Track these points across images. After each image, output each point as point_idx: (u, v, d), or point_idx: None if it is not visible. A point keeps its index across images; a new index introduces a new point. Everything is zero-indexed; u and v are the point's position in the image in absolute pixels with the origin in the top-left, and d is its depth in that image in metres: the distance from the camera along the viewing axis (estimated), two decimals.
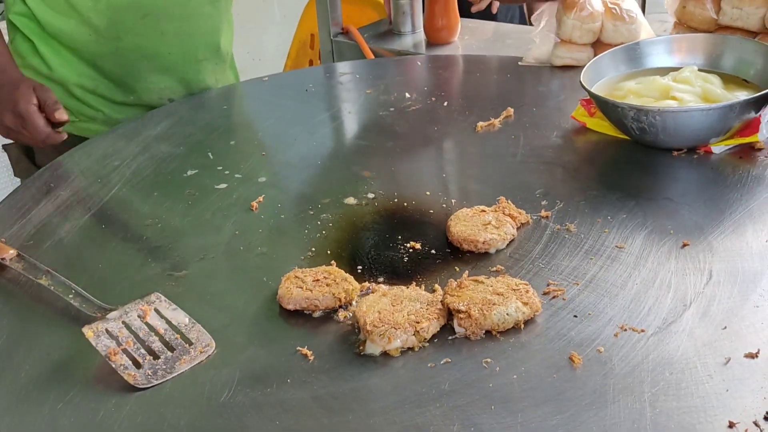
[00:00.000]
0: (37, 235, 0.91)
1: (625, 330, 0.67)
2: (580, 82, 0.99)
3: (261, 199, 0.95)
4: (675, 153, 0.95)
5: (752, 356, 0.62)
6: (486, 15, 1.70)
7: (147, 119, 1.21)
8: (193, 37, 1.23)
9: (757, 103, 0.90)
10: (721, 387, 0.59)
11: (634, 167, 0.94)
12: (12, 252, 0.82)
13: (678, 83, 0.97)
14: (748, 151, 0.93)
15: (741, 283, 0.71)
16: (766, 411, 0.56)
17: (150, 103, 1.25)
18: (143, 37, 1.18)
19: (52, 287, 0.77)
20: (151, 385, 0.66)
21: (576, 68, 1.22)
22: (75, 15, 1.16)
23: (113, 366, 0.67)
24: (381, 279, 0.79)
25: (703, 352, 0.63)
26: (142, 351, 0.69)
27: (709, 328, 0.66)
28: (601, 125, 1.03)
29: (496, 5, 1.76)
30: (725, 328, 0.66)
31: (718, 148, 0.93)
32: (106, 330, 0.70)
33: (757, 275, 0.72)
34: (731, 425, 0.55)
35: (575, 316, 0.70)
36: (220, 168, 1.04)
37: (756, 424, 0.55)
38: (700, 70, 1.01)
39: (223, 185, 1.00)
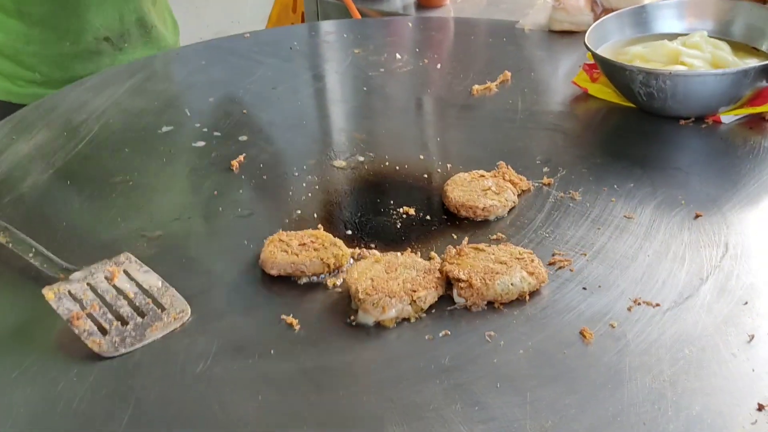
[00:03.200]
0: None
1: (639, 304, 0.62)
2: (585, 43, 0.94)
3: (242, 159, 0.88)
4: (682, 122, 0.90)
5: None
6: None
7: (116, 73, 1.13)
8: None
9: None
10: (747, 366, 0.55)
11: (640, 135, 0.89)
12: None
13: (687, 48, 0.92)
14: (759, 121, 0.88)
15: (758, 257, 0.66)
16: None
17: (87, 48, 1.18)
18: None
19: (10, 244, 0.69)
20: (119, 353, 0.59)
21: (575, 34, 1.17)
22: None
23: (76, 332, 0.60)
24: (373, 245, 0.73)
25: (725, 328, 0.58)
26: (109, 316, 0.62)
27: (729, 304, 0.61)
28: (603, 91, 0.97)
29: None
30: (746, 303, 0.61)
31: (727, 117, 0.89)
32: (69, 292, 0.63)
33: None
34: (761, 408, 0.51)
35: (584, 288, 0.65)
36: (198, 125, 0.97)
37: None
38: (710, 36, 0.95)
39: (201, 143, 0.93)
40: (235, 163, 0.88)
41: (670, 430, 0.50)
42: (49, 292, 0.63)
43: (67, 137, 0.94)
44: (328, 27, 1.31)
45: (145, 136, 0.95)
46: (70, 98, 1.05)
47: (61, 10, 1.14)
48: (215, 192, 0.83)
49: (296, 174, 0.86)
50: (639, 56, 0.94)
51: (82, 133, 0.95)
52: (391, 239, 0.74)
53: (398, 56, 1.16)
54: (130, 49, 1.25)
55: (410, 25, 1.33)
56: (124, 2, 1.22)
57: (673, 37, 0.97)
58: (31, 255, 0.68)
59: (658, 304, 0.62)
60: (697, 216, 0.73)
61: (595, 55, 0.93)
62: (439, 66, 1.12)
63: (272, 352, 0.60)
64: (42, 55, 1.17)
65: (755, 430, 0.49)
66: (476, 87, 1.03)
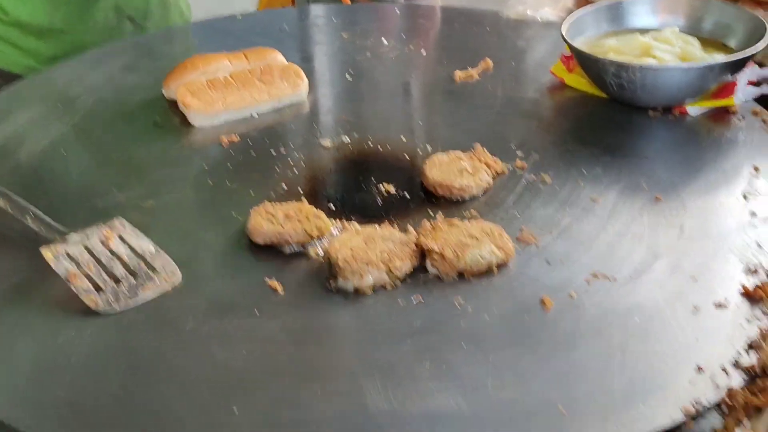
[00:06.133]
0: None
1: (597, 277, 0.67)
2: (562, 34, 0.98)
3: (233, 137, 0.92)
4: (651, 113, 0.95)
5: (721, 306, 0.63)
6: None
7: (111, 50, 1.16)
8: None
9: (735, 66, 0.90)
10: (690, 334, 0.60)
11: (611, 124, 0.94)
12: None
13: (658, 42, 0.97)
14: (723, 114, 0.93)
15: (711, 239, 0.72)
16: (734, 357, 0.57)
17: (108, 26, 1.21)
18: None
19: (9, 209, 0.73)
20: (114, 311, 0.64)
21: (557, 26, 1.21)
22: None
23: (74, 290, 0.64)
24: (353, 219, 0.77)
25: (673, 301, 0.64)
26: (104, 276, 0.66)
27: (680, 279, 0.66)
28: (579, 81, 1.02)
29: None
30: (695, 279, 0.66)
31: (693, 109, 0.94)
32: (67, 252, 0.67)
33: (727, 231, 0.72)
34: (699, 369, 0.56)
35: (548, 263, 0.70)
36: None
37: (724, 370, 0.56)
38: (681, 31, 1.00)
39: None
40: (224, 138, 0.92)
41: (615, 385, 0.55)
42: (47, 252, 0.67)
43: (63, 110, 0.98)
44: (317, 11, 1.35)
45: (139, 112, 0.98)
46: (66, 73, 1.08)
47: None
48: (205, 165, 0.87)
49: (283, 152, 0.90)
50: (613, 49, 0.99)
51: (77, 107, 0.99)
52: (372, 214, 0.78)
53: (385, 42, 1.20)
54: (152, 28, 1.28)
55: (398, 11, 1.37)
56: None
57: (646, 31, 1.02)
58: (29, 219, 0.72)
59: (614, 278, 0.67)
60: (657, 200, 0.78)
61: (571, 47, 0.97)
62: (424, 52, 1.17)
63: (257, 312, 0.64)
64: (65, 34, 1.19)
65: (692, 388, 0.55)
66: (459, 73, 1.08)
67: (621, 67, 0.90)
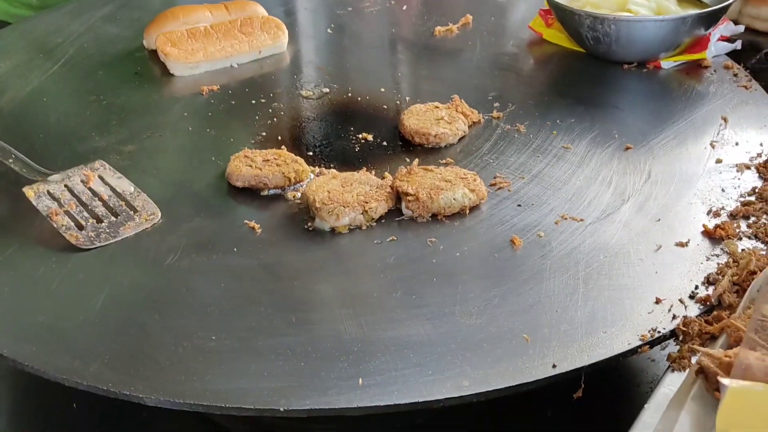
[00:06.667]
0: None
1: (566, 219, 0.69)
2: None
3: (213, 86, 0.93)
4: (625, 66, 0.96)
5: (682, 245, 0.65)
6: None
7: (91, 1, 1.16)
8: None
9: (708, 20, 0.92)
10: (651, 270, 0.62)
11: (586, 77, 0.96)
12: None
13: None
14: (696, 68, 0.95)
15: (677, 183, 0.74)
16: (691, 291, 0.60)
17: None
18: None
19: None
20: (94, 246, 0.65)
21: None
22: None
23: (55, 226, 0.66)
24: (332, 165, 0.79)
25: (637, 240, 0.66)
26: (85, 214, 0.67)
27: (644, 220, 0.69)
28: (556, 36, 1.03)
29: None
30: (659, 220, 0.69)
31: (667, 63, 0.95)
32: (48, 191, 0.68)
33: (693, 177, 0.75)
34: (658, 301, 0.59)
35: (519, 206, 0.72)
36: None
37: (681, 301, 0.59)
38: None
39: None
40: (204, 88, 0.92)
41: (577, 315, 0.57)
42: (29, 191, 0.68)
43: (44, 58, 0.98)
44: None
45: (119, 61, 0.99)
46: (46, 22, 1.08)
47: None
48: (185, 113, 0.88)
49: (263, 101, 0.91)
50: (590, 3, 1.00)
51: (57, 55, 0.99)
52: (350, 161, 0.80)
53: None
54: None
55: None
56: None
57: None
58: (10, 161, 0.73)
59: (582, 219, 0.69)
60: (627, 148, 0.80)
61: (549, 1, 0.98)
62: (405, 7, 1.17)
63: (235, 249, 0.66)
64: None
65: (651, 318, 0.57)
66: (438, 28, 1.09)
67: (596, 19, 0.92)
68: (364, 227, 0.69)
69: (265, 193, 0.74)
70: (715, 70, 0.94)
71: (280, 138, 0.84)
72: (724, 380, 0.43)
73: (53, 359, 0.54)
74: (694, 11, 0.94)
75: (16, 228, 0.68)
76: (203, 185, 0.75)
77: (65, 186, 0.70)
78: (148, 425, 0.67)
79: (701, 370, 0.49)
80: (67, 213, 0.67)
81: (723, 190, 0.73)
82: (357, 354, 0.54)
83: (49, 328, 0.57)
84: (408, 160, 0.80)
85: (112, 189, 0.71)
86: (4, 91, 0.90)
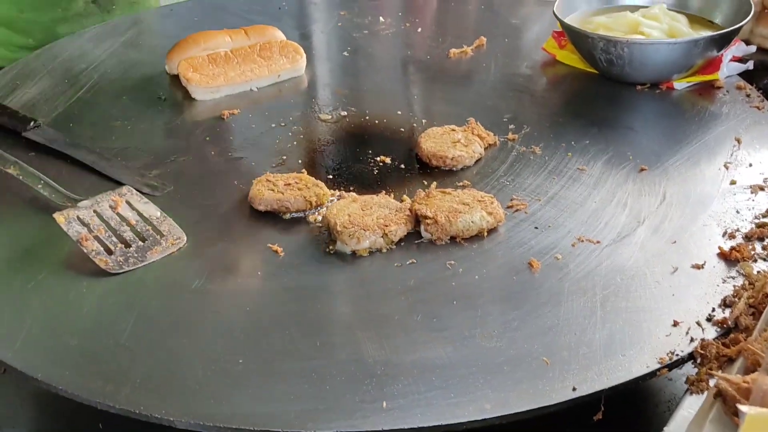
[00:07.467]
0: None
1: (582, 241, 0.70)
2: (554, 12, 1.01)
3: (234, 110, 0.95)
4: (638, 87, 0.98)
5: (698, 267, 0.66)
6: None
7: (113, 27, 1.19)
8: None
9: (720, 42, 0.93)
10: (668, 292, 0.64)
11: (599, 98, 0.97)
12: None
13: (647, 19, 1.00)
14: (708, 88, 0.96)
15: (692, 205, 0.75)
16: (708, 313, 0.61)
17: (77, 12, 1.22)
18: None
19: (21, 177, 0.76)
20: (123, 271, 0.67)
21: (550, 4, 1.23)
22: None
23: (85, 251, 0.68)
24: (351, 188, 0.80)
25: (653, 262, 0.67)
26: (114, 239, 0.69)
27: (660, 242, 0.70)
28: (570, 58, 1.05)
29: None
30: (675, 242, 0.70)
31: (679, 84, 0.97)
32: (78, 217, 0.70)
33: (708, 198, 0.76)
34: (675, 324, 0.60)
35: (536, 228, 0.73)
36: None
37: (698, 324, 0.60)
38: (668, 9, 1.03)
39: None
40: (225, 112, 0.95)
41: (596, 338, 0.58)
42: (59, 217, 0.70)
43: (69, 84, 1.01)
44: None
45: (142, 86, 1.01)
46: (71, 49, 1.11)
47: None
48: (207, 137, 0.90)
49: (283, 124, 0.93)
50: (603, 25, 1.02)
51: (82, 81, 1.02)
52: (368, 184, 0.81)
53: (382, 19, 1.22)
54: (118, 11, 1.29)
55: None
56: None
57: (635, 9, 1.05)
58: (40, 186, 0.75)
59: (598, 242, 0.70)
60: (641, 170, 0.81)
61: (562, 24, 1.00)
62: (420, 30, 1.19)
63: (259, 273, 0.68)
64: (35, 22, 1.20)
65: (669, 340, 0.58)
66: (453, 50, 1.11)
67: (610, 42, 0.93)
68: (384, 250, 0.71)
69: (287, 216, 0.76)
70: (727, 91, 0.95)
71: (300, 161, 0.86)
72: (743, 407, 0.44)
73: (86, 383, 0.55)
74: (706, 33, 0.95)
75: (47, 254, 0.70)
76: (226, 209, 0.77)
77: (94, 211, 0.72)
78: None
79: (719, 393, 0.50)
80: (96, 238, 0.69)
81: (738, 212, 0.74)
82: (380, 377, 0.56)
83: (81, 351, 0.58)
84: (425, 182, 0.81)
85: (139, 214, 0.73)
86: (31, 116, 0.92)
